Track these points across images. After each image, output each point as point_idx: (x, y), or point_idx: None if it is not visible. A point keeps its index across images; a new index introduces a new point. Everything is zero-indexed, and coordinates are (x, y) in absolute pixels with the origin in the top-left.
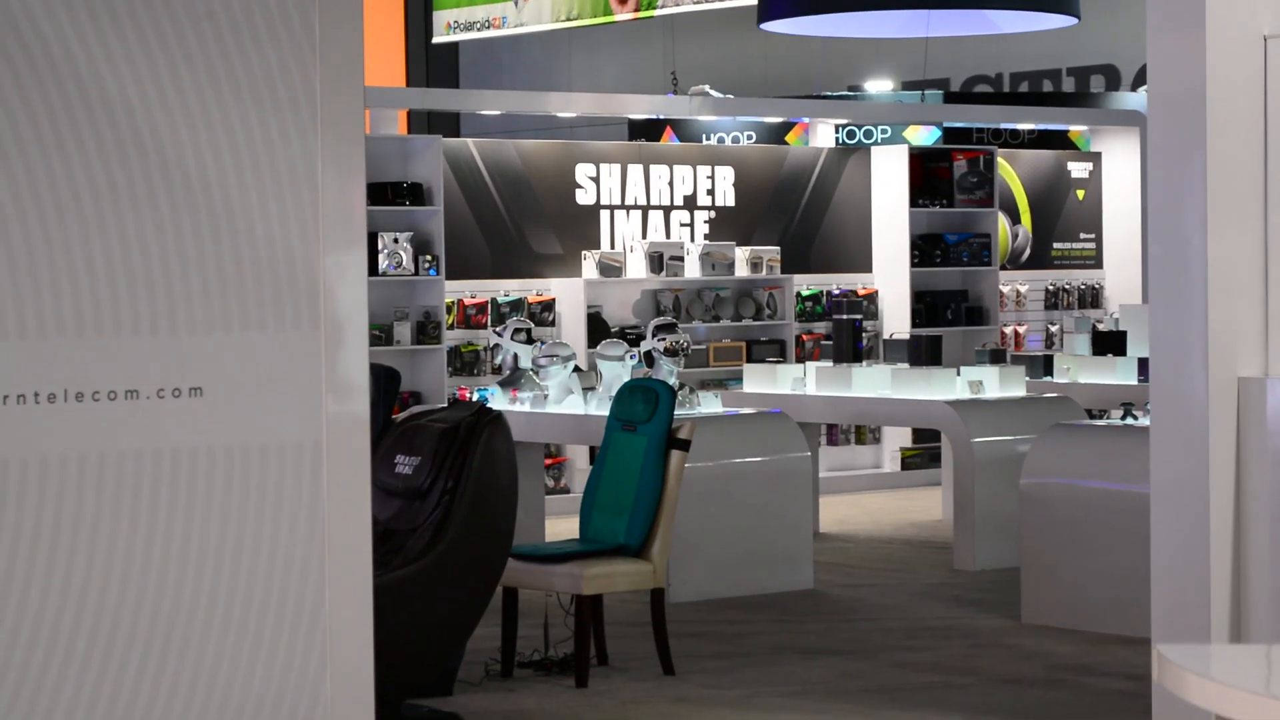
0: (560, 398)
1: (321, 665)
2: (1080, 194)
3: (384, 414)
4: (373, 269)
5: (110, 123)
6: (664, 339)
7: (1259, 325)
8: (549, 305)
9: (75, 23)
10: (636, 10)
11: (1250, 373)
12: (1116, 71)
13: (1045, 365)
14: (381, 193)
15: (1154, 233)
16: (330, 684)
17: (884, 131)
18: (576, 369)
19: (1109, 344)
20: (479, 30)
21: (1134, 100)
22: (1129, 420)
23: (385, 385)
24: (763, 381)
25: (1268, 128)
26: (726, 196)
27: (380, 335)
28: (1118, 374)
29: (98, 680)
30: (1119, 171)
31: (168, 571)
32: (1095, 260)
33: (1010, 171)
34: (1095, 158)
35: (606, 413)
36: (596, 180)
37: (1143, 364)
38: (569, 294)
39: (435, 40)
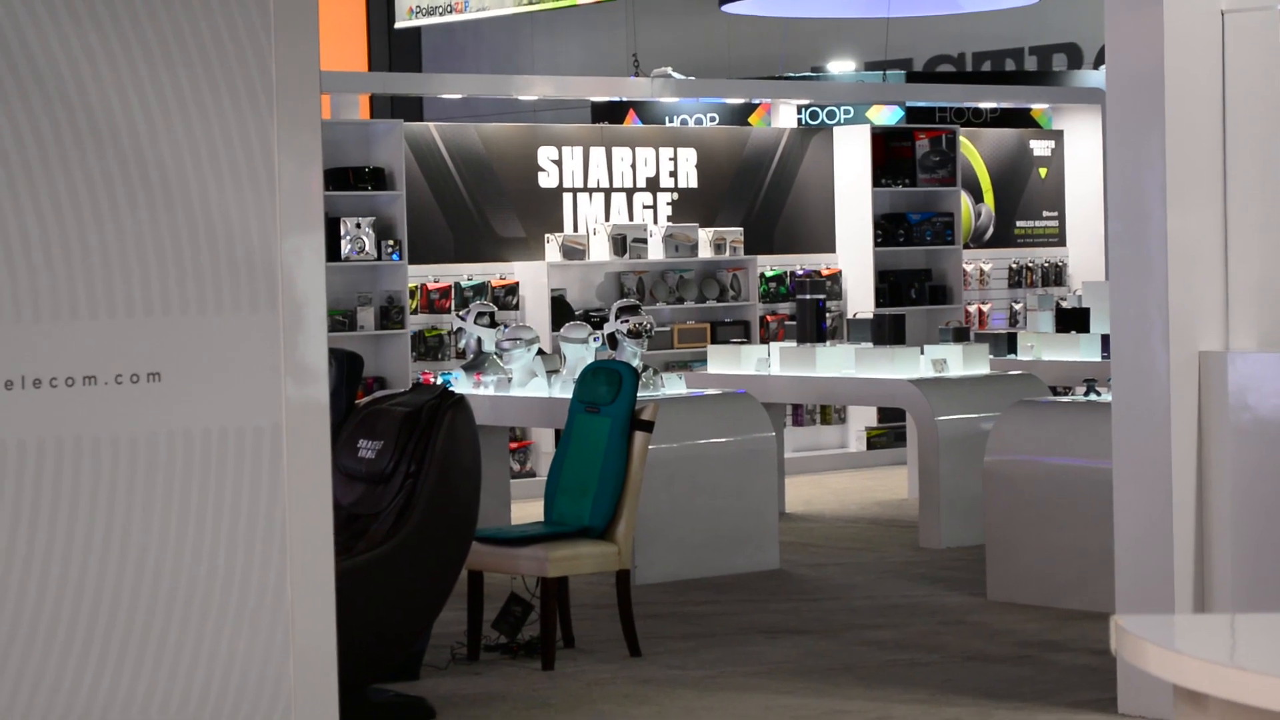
0: (524, 381)
1: (284, 651)
2: (1043, 172)
3: (347, 399)
4: (335, 254)
5: (66, 108)
6: (627, 321)
7: (1219, 300)
8: (512, 289)
9: (30, 8)
10: None
11: (1211, 347)
12: (1078, 50)
13: (1009, 343)
14: (343, 178)
15: (1114, 209)
16: (293, 669)
17: (846, 112)
18: (540, 352)
19: (1072, 321)
20: (441, 15)
21: (1095, 78)
22: (1092, 396)
23: (348, 370)
24: (727, 362)
25: (1226, 102)
26: (689, 178)
27: (344, 320)
28: (1081, 351)
29: (60, 665)
30: (1081, 149)
31: (128, 557)
32: (1058, 238)
33: (973, 150)
34: (1057, 135)
35: (570, 395)
36: (559, 163)
37: (1106, 340)
38: (532, 277)
39: (397, 25)
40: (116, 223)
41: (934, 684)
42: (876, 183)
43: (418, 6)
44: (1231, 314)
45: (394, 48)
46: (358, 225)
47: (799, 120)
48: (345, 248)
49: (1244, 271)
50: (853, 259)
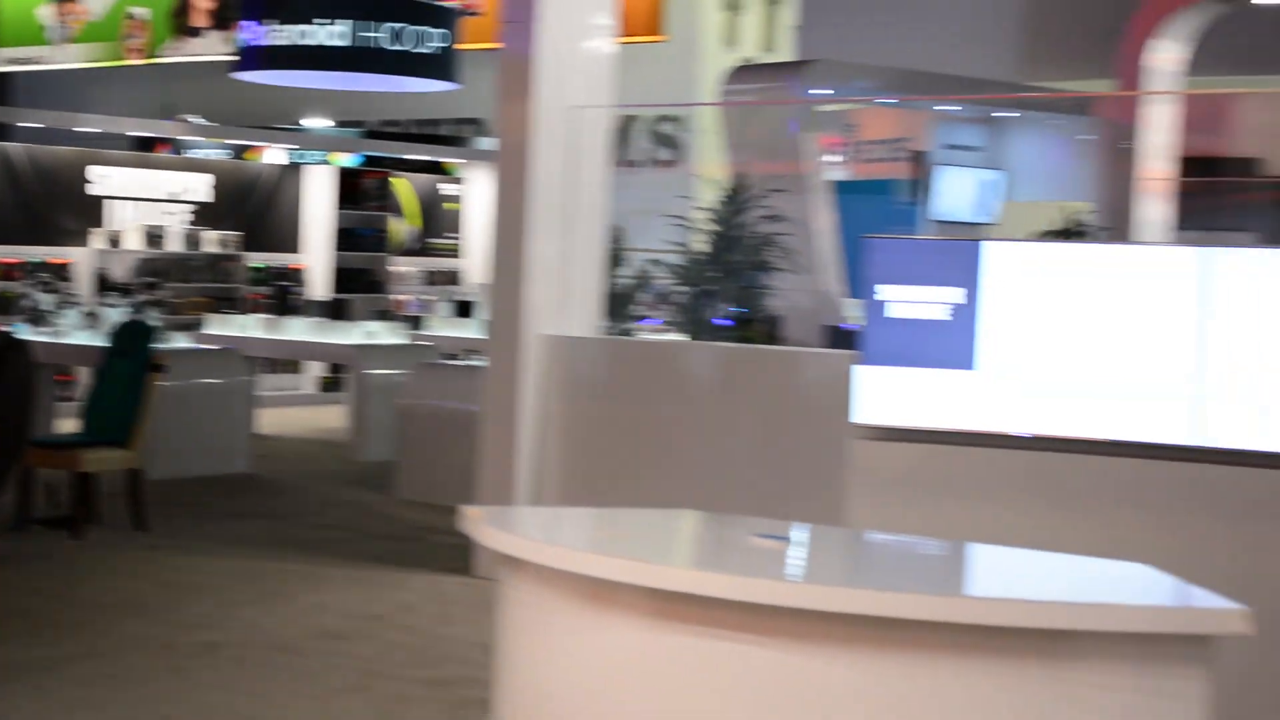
0: (72, 332)
1: None
2: (452, 206)
3: None
4: None
5: None
6: (152, 294)
7: (555, 302)
8: (67, 266)
9: None
10: (145, 57)
11: (549, 332)
12: (481, 122)
13: (420, 323)
14: None
15: (496, 235)
16: None
17: (317, 155)
18: (86, 313)
19: (464, 310)
20: (28, 65)
21: (490, 144)
22: (472, 361)
23: None
24: (222, 327)
25: (576, 168)
26: (205, 194)
27: None
28: (469, 330)
29: None
30: (479, 192)
31: None
32: (459, 252)
33: (406, 187)
34: (462, 181)
35: (107, 344)
36: (107, 178)
37: (486, 325)
38: (83, 259)
39: None
40: None
41: (352, 554)
42: (340, 206)
43: (11, 58)
44: (569, 311)
45: None
46: None
47: (287, 158)
48: None
49: (577, 284)
50: (316, 258)
